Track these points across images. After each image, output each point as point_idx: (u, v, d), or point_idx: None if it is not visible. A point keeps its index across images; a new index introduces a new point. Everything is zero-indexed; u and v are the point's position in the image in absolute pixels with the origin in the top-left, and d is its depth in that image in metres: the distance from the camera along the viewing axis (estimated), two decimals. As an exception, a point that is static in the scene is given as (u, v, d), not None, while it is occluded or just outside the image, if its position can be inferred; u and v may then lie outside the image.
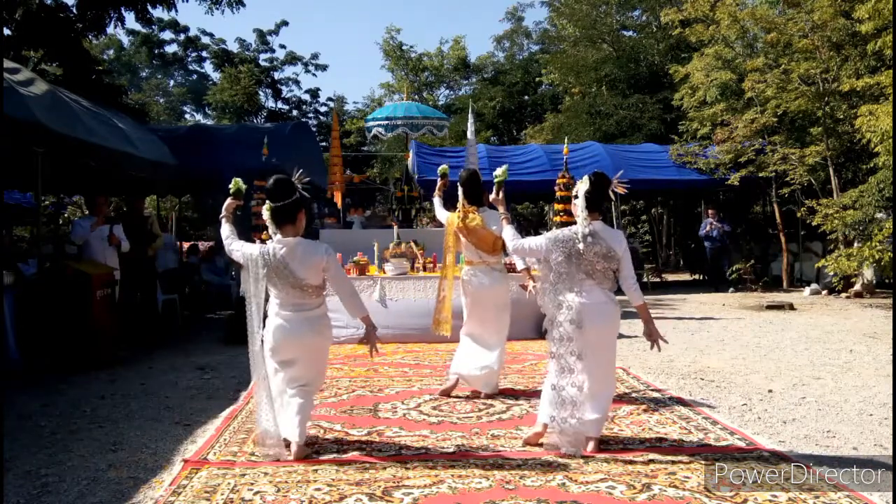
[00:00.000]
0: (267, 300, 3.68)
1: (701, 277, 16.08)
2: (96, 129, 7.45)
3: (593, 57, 22.67)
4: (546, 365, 6.01)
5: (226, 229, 3.91)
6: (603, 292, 3.69)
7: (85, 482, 3.37)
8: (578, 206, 3.74)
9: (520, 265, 5.01)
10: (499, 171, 4.53)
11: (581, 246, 3.64)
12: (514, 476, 3.30)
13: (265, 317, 3.69)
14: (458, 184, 4.96)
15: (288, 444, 3.61)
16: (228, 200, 3.98)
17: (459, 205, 4.92)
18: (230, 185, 3.99)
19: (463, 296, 4.96)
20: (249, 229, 7.93)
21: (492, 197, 4.41)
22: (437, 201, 5.29)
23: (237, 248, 3.79)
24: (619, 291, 3.79)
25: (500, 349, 4.91)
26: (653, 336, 3.77)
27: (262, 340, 3.65)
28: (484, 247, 4.83)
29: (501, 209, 4.27)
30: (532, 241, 3.91)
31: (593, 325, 3.62)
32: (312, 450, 3.72)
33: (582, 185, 3.74)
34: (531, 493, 3.09)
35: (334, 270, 3.69)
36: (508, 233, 4.08)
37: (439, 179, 5.46)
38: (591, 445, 3.65)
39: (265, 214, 3.70)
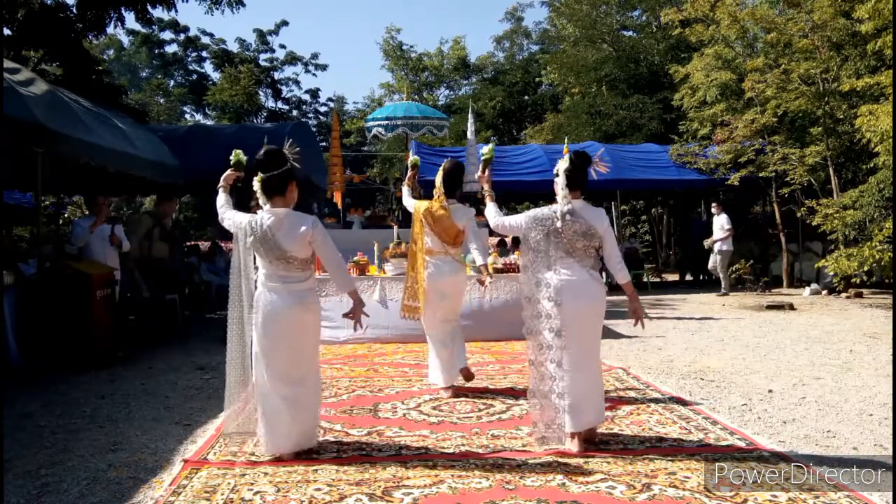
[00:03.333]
0: (256, 271, 3.67)
1: (702, 277, 16.07)
2: (96, 129, 7.45)
3: (593, 57, 22.68)
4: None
5: (221, 198, 3.92)
6: (584, 270, 3.68)
7: (85, 482, 3.36)
8: (559, 185, 3.74)
9: (479, 260, 5.02)
10: (485, 150, 4.57)
11: (559, 224, 3.64)
12: (514, 476, 3.30)
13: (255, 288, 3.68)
14: (440, 171, 5.02)
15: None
16: (228, 171, 3.98)
17: (435, 191, 5.00)
18: (231, 157, 3.99)
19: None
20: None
21: (477, 174, 4.44)
22: (405, 190, 5.37)
23: (229, 217, 3.79)
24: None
25: (459, 331, 5.05)
26: (637, 313, 3.78)
27: (250, 316, 3.62)
28: (446, 238, 4.92)
29: (486, 187, 4.28)
30: (512, 219, 3.93)
31: (573, 303, 3.60)
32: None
33: (562, 164, 3.76)
34: (531, 493, 3.09)
35: (320, 242, 3.62)
36: (491, 210, 4.10)
37: (410, 170, 5.56)
38: (572, 441, 3.59)
39: (256, 185, 3.67)
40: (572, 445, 3.60)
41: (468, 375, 5.05)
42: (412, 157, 5.76)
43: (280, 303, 3.56)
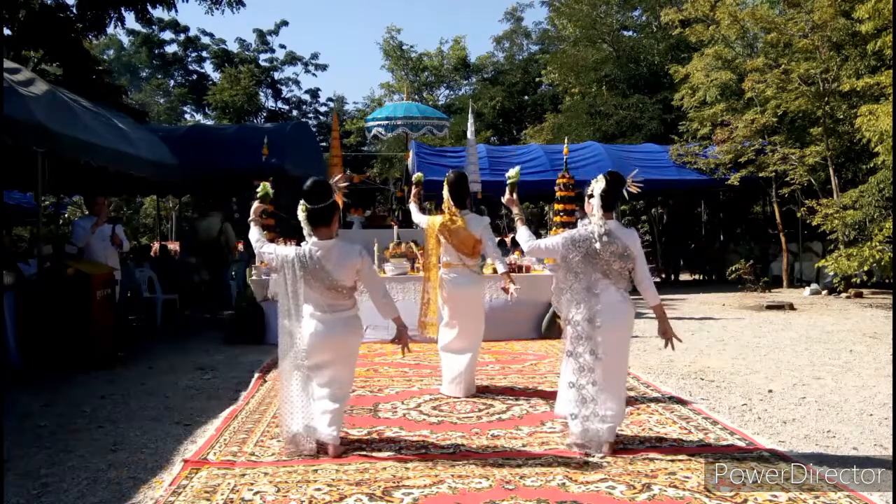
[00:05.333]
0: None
1: (701, 277, 16.10)
2: (96, 129, 7.45)
3: (593, 57, 22.68)
4: (546, 365, 6.03)
5: (255, 233, 3.95)
6: (618, 292, 3.69)
7: (85, 482, 3.36)
8: (594, 206, 3.72)
9: (501, 268, 4.97)
10: (512, 173, 4.53)
11: (598, 245, 3.63)
12: (514, 476, 3.30)
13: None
14: (445, 184, 4.98)
15: (321, 445, 3.64)
16: (256, 204, 4.02)
17: (444, 206, 4.97)
18: (258, 189, 4.05)
19: (440, 298, 5.00)
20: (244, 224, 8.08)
21: (505, 198, 4.37)
22: (413, 207, 5.39)
23: (269, 251, 3.80)
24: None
25: (472, 353, 4.94)
26: (667, 334, 3.76)
27: (296, 341, 3.65)
28: (464, 249, 4.89)
29: (516, 210, 4.26)
30: (548, 242, 3.91)
31: (608, 324, 3.62)
32: (348, 447, 3.73)
33: (598, 185, 3.73)
34: (531, 493, 3.09)
35: (367, 272, 3.75)
36: (523, 234, 4.04)
37: (414, 187, 5.58)
38: (605, 448, 3.61)
39: (300, 216, 3.70)
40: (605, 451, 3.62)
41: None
42: (416, 175, 5.76)
43: (330, 331, 3.62)
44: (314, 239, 3.66)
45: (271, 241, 3.98)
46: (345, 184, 3.84)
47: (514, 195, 4.34)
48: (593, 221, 3.72)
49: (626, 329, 3.75)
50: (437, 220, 4.97)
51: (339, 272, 3.61)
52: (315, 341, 3.61)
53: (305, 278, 3.60)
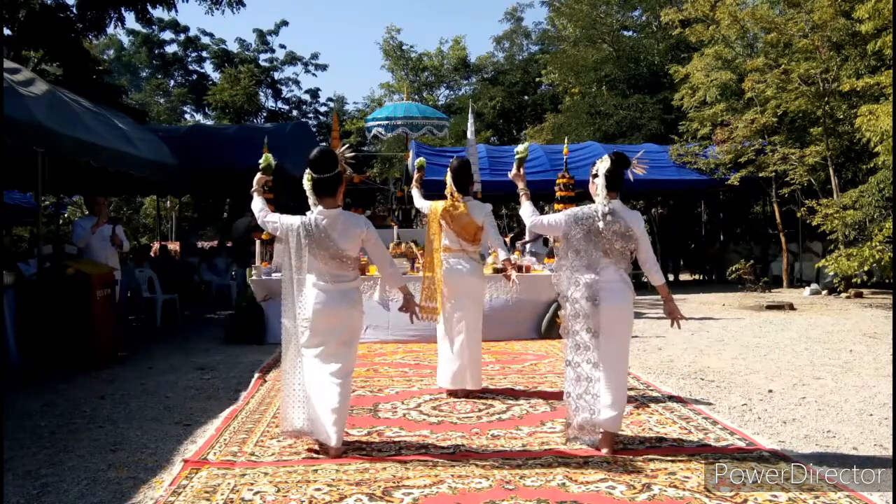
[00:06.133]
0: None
1: (701, 277, 16.10)
2: (96, 129, 7.46)
3: (593, 57, 22.70)
4: (546, 365, 6.03)
5: (258, 202, 3.95)
6: (618, 272, 3.67)
7: (85, 482, 3.36)
8: (598, 185, 3.71)
9: (502, 255, 5.03)
10: (520, 148, 4.57)
11: (601, 224, 3.62)
12: (514, 476, 3.29)
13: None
14: (449, 171, 5.02)
15: (321, 446, 3.62)
16: (258, 175, 4.04)
17: (447, 192, 5.00)
18: (260, 161, 4.07)
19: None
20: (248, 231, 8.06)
21: (511, 173, 4.39)
22: (415, 192, 5.39)
23: (273, 220, 3.78)
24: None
25: (474, 341, 4.92)
26: (674, 314, 3.77)
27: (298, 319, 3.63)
28: (465, 235, 4.91)
29: (521, 184, 4.26)
30: (551, 218, 3.90)
31: (608, 304, 3.60)
32: (348, 447, 3.72)
33: (602, 164, 3.72)
34: (531, 493, 3.09)
35: (373, 242, 3.76)
36: (527, 209, 4.04)
37: (416, 172, 5.59)
38: (605, 449, 3.58)
39: (306, 185, 3.70)
40: (603, 446, 3.60)
41: (463, 394, 4.90)
42: (418, 160, 5.77)
43: (331, 301, 3.60)
44: (320, 208, 3.65)
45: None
46: (350, 153, 3.84)
47: (522, 170, 4.35)
48: (597, 201, 3.71)
49: (626, 309, 3.70)
50: (440, 205, 4.98)
51: (344, 241, 3.61)
52: (316, 309, 3.58)
53: (310, 247, 3.59)
